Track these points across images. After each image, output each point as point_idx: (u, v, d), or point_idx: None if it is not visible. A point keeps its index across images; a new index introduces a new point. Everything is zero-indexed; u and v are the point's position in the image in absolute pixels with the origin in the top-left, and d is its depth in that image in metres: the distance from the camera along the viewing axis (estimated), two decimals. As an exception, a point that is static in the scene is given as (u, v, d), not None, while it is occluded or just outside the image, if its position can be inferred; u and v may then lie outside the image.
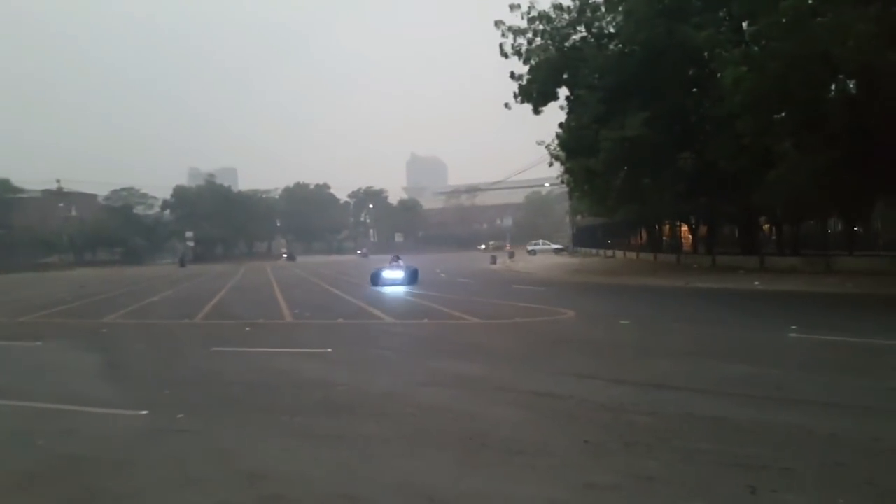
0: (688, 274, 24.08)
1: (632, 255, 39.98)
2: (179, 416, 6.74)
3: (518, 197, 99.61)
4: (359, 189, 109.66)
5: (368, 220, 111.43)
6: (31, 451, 5.79)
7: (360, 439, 5.69)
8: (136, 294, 26.70)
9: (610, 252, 44.19)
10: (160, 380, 8.95)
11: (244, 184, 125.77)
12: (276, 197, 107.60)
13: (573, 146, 26.01)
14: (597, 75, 25.31)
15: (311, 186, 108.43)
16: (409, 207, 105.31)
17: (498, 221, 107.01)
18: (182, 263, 69.71)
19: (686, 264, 29.57)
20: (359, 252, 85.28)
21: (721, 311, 15.27)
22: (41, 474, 5.14)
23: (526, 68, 26.37)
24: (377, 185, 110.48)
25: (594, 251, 48.37)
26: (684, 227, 33.65)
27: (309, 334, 12.98)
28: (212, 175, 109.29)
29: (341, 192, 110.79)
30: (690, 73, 24.41)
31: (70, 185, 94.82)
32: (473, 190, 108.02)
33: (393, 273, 24.33)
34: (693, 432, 5.53)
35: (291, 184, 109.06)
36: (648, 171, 25.68)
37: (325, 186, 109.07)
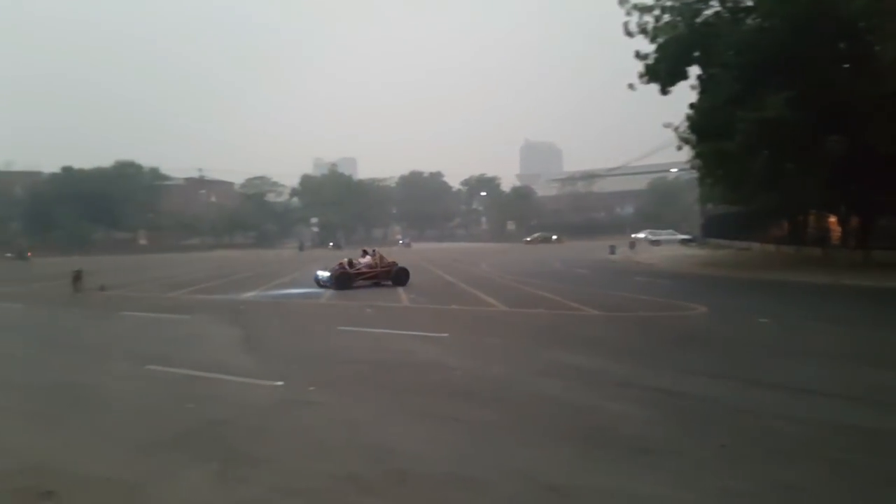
0: (836, 270, 21.93)
1: (770, 247, 36.99)
2: (311, 388, 7.15)
3: (640, 184, 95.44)
4: (471, 177, 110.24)
5: (480, 208, 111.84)
6: (183, 413, 6.39)
7: (478, 424, 5.75)
8: (268, 274, 28.58)
9: (744, 244, 41.20)
10: (292, 354, 9.53)
11: (363, 173, 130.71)
12: (393, 185, 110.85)
13: (705, 128, 24.42)
14: (732, 52, 23.57)
15: (426, 175, 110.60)
16: (521, 195, 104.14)
17: (617, 210, 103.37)
18: (301, 248, 73.87)
19: (834, 259, 26.97)
20: (400, 241, 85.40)
21: (874, 312, 13.79)
22: (192, 434, 5.66)
23: (652, 47, 25.11)
24: (490, 173, 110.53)
25: (726, 242, 45.33)
26: (832, 218, 30.65)
27: (425, 318, 13.25)
28: (334, 164, 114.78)
29: (454, 180, 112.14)
30: (841, 46, 22.07)
31: (211, 174, 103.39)
32: (590, 176, 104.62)
33: (325, 273, 21.07)
34: (842, 443, 5.07)
35: (407, 172, 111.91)
36: (791, 155, 23.58)
37: (439, 175, 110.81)
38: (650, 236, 60.77)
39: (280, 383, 7.43)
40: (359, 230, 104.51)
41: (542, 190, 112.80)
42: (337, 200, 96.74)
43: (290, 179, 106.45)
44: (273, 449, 5.21)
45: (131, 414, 6.47)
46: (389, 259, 22.57)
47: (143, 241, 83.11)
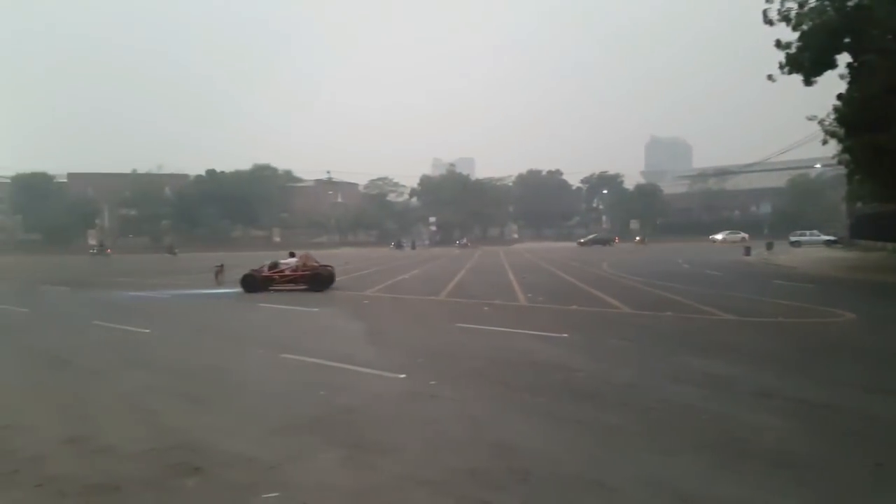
0: None
1: (933, 251, 32.95)
2: (432, 382, 7.27)
3: (778, 181, 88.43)
4: (592, 174, 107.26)
5: (601, 207, 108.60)
6: (315, 399, 6.72)
7: (603, 428, 5.56)
8: (388, 272, 29.54)
9: (901, 246, 36.90)
10: (414, 348, 9.74)
11: (481, 172, 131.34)
12: (510, 184, 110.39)
13: (856, 120, 22.17)
14: (891, 36, 21.20)
15: (544, 173, 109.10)
16: (646, 192, 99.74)
17: (753, 208, 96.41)
18: (398, 246, 75.60)
19: None
20: (458, 242, 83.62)
21: None
22: (323, 420, 5.93)
23: (795, 35, 23.15)
24: (612, 170, 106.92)
25: (879, 244, 40.90)
26: None
27: (544, 318, 13.05)
28: (452, 165, 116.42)
29: (574, 178, 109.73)
30: None
31: (338, 176, 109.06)
32: (723, 173, 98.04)
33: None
34: None
35: (525, 171, 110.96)
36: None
37: (558, 173, 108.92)
38: (793, 237, 56.41)
39: (403, 376, 7.62)
40: (475, 229, 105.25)
41: (670, 187, 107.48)
42: (454, 200, 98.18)
43: (410, 180, 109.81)
44: (398, 439, 5.35)
45: (269, 398, 6.90)
46: (325, 263, 21.48)
47: (276, 239, 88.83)
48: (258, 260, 24.45)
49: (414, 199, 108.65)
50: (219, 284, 22.60)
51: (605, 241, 71.63)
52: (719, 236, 70.30)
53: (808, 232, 58.14)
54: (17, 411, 6.45)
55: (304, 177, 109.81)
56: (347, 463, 4.78)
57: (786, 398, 6.47)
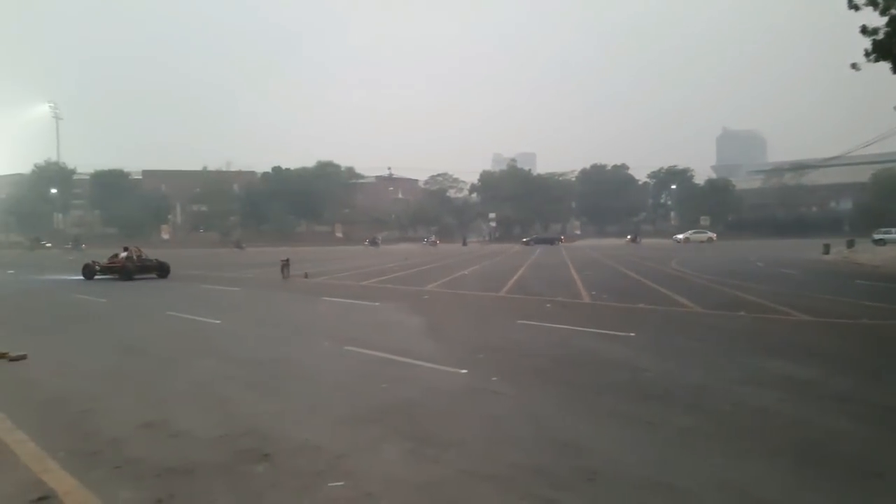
0: None
1: None
2: (494, 378, 7.20)
3: (861, 175, 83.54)
4: (660, 169, 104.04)
5: (669, 202, 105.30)
6: (378, 392, 6.77)
7: (672, 429, 5.37)
8: (448, 267, 29.64)
9: None
10: (475, 344, 9.70)
11: (543, 167, 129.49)
12: (573, 179, 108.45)
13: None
14: None
15: (608, 168, 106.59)
16: (718, 188, 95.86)
17: (832, 204, 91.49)
18: (430, 243, 76.76)
19: None
20: (425, 240, 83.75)
21: None
22: (386, 412, 5.96)
23: (883, 20, 21.77)
24: (681, 164, 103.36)
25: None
26: None
27: (609, 316, 12.76)
28: (513, 160, 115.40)
29: (640, 173, 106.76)
30: None
31: (398, 172, 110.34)
32: (800, 167, 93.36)
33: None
34: None
35: (588, 166, 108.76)
36: None
37: (623, 167, 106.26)
38: (876, 235, 53.58)
39: (464, 371, 7.58)
40: (537, 225, 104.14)
41: (743, 182, 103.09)
42: (515, 195, 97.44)
43: (471, 176, 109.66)
44: (461, 434, 5.31)
45: (333, 389, 7.01)
46: (154, 258, 26.53)
47: (339, 234, 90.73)
48: (320, 254, 25.00)
49: (474, 195, 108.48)
50: (284, 278, 23.24)
51: (550, 241, 71.78)
52: (681, 236, 71.75)
53: (893, 229, 54.88)
54: (98, 396, 6.77)
55: (366, 173, 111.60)
56: (411, 455, 4.78)
57: (869, 404, 6.09)
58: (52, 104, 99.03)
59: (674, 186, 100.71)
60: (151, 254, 28.34)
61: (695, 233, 73.60)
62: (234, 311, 14.75)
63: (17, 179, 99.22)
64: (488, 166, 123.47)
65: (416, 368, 7.84)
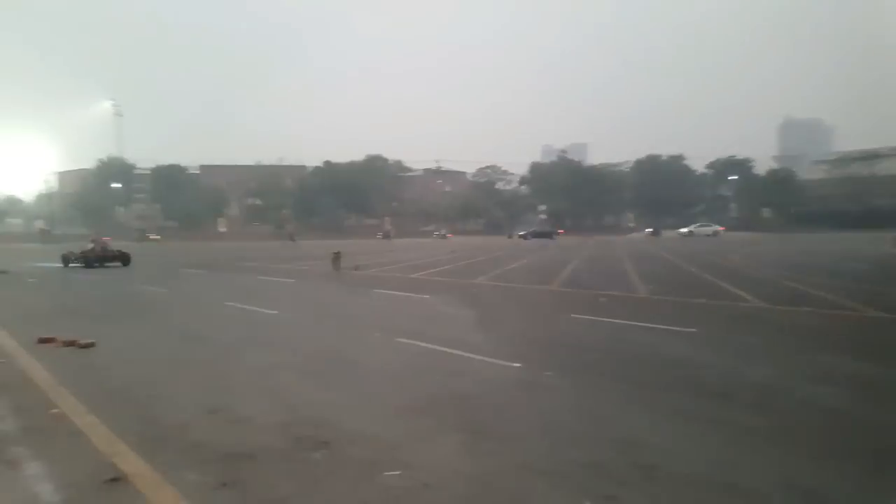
0: None
1: None
2: (548, 373, 7.13)
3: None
4: (718, 159, 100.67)
5: (729, 194, 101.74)
6: (431, 384, 6.81)
7: (736, 428, 5.21)
8: (497, 260, 29.51)
9: None
10: (527, 338, 9.64)
11: (595, 158, 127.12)
12: (627, 170, 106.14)
13: None
14: None
15: (664, 158, 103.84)
16: (780, 178, 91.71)
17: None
18: (441, 236, 76.39)
19: None
20: (436, 233, 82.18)
21: None
22: (440, 404, 5.98)
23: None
24: (741, 154, 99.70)
25: None
26: None
27: (668, 311, 12.46)
28: (564, 151, 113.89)
29: (698, 163, 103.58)
30: None
31: (447, 165, 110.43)
32: (871, 156, 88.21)
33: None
34: None
35: (643, 156, 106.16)
36: None
37: (680, 157, 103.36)
38: None
39: (517, 365, 7.53)
40: (588, 218, 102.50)
41: (807, 173, 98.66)
42: (566, 187, 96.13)
43: (520, 168, 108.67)
44: (516, 427, 5.29)
45: (387, 380, 7.08)
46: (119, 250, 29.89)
47: (387, 227, 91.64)
48: (369, 247, 25.25)
49: (523, 187, 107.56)
50: (335, 271, 23.60)
51: (548, 235, 69.48)
52: (685, 229, 69.66)
53: None
54: (163, 383, 7.03)
55: (414, 166, 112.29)
56: (466, 448, 4.78)
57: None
58: (113, 102, 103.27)
59: (733, 177, 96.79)
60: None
61: (700, 226, 71.64)
62: (289, 302, 15.07)
63: (81, 175, 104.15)
64: (538, 158, 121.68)
65: (468, 361, 7.84)
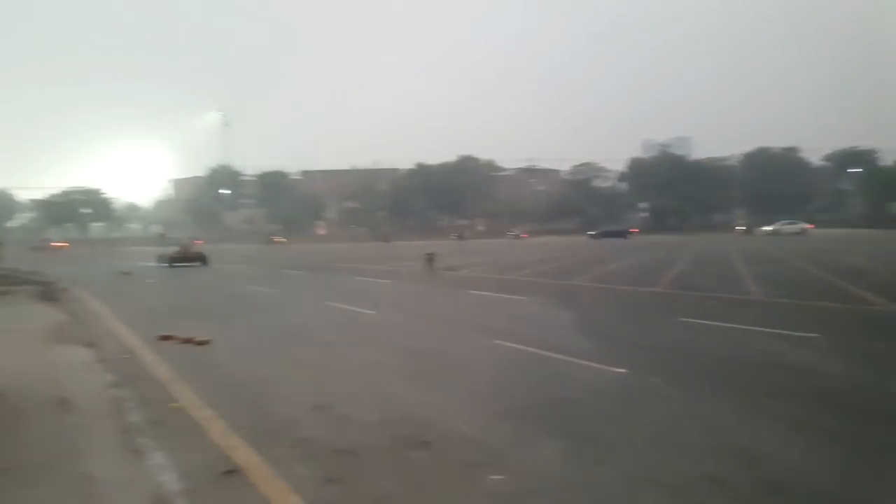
0: None
1: None
2: (655, 379, 6.81)
3: None
4: (837, 150, 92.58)
5: (851, 188, 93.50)
6: (531, 387, 6.69)
7: (871, 445, 4.74)
8: (595, 260, 28.77)
9: None
10: (631, 342, 9.28)
11: (699, 152, 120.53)
12: (735, 164, 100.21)
13: None
14: None
15: (776, 150, 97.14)
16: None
17: None
18: (460, 238, 73.51)
19: None
20: (509, 234, 78.86)
21: None
22: (542, 408, 5.86)
23: None
24: (864, 144, 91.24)
25: None
26: None
27: (786, 315, 11.60)
28: (665, 145, 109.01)
29: (815, 155, 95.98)
30: None
31: (539, 163, 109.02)
32: None
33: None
34: None
35: (753, 149, 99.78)
36: None
37: (794, 150, 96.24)
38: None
39: (622, 370, 7.24)
40: (693, 215, 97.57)
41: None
42: (668, 183, 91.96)
43: (618, 164, 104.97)
44: (623, 435, 5.07)
45: (486, 382, 7.02)
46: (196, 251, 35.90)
47: (480, 227, 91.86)
48: (461, 248, 25.29)
49: (622, 184, 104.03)
50: (430, 271, 23.88)
51: (620, 234, 65.32)
52: (769, 227, 63.76)
53: None
54: (272, 379, 7.33)
55: (507, 165, 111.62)
56: (571, 454, 4.64)
57: None
58: (222, 112, 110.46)
59: (856, 170, 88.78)
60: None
61: (786, 223, 65.58)
62: (386, 302, 15.36)
63: (193, 182, 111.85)
64: (637, 153, 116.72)
65: (570, 365, 7.63)
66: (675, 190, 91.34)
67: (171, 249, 35.03)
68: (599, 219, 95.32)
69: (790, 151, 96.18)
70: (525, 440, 4.96)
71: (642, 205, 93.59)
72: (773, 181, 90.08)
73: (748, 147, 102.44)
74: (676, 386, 6.57)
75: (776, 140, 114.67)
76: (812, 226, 65.97)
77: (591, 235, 68.41)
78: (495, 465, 4.40)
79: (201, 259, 33.83)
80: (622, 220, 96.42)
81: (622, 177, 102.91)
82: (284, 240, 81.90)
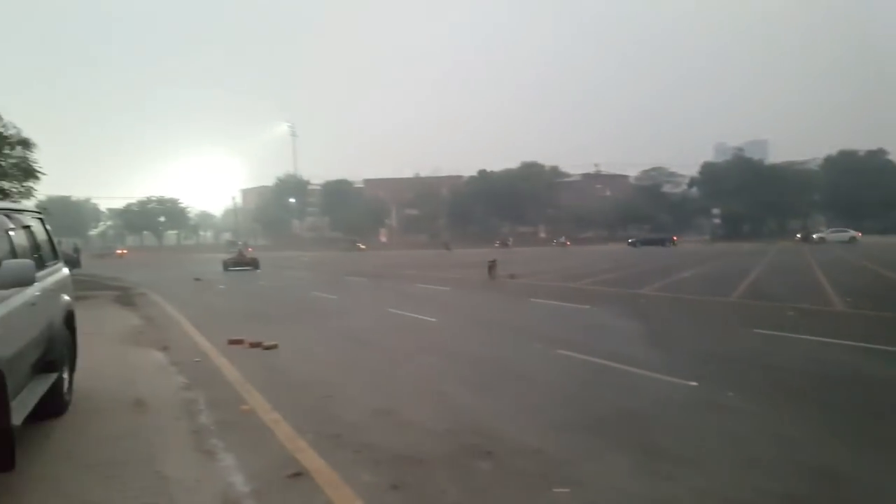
0: None
1: None
2: (729, 393, 6.53)
3: None
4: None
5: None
6: (596, 399, 6.54)
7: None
8: (665, 268, 27.93)
9: None
10: (702, 354, 8.95)
11: (776, 155, 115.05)
12: (816, 168, 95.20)
13: None
14: None
15: (861, 153, 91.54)
16: None
17: None
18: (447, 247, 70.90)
19: None
20: (555, 241, 74.67)
21: None
22: (607, 421, 5.70)
23: None
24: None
25: None
26: None
27: (872, 328, 10.91)
28: (739, 149, 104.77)
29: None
30: None
31: (607, 168, 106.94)
32: None
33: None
34: None
35: (834, 152, 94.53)
36: None
37: (881, 152, 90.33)
38: None
39: (694, 383, 6.96)
40: (769, 221, 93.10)
41: None
42: (743, 188, 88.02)
43: (689, 169, 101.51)
44: (694, 450, 4.86)
45: (549, 392, 6.90)
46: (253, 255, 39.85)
47: (542, 235, 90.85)
48: (524, 256, 25.08)
49: (693, 189, 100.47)
50: (491, 279, 23.78)
51: (661, 242, 62.82)
52: (816, 235, 62.75)
53: None
54: (336, 382, 7.44)
55: (572, 171, 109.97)
56: (640, 469, 4.47)
57: None
58: (289, 124, 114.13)
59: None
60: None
61: (833, 231, 63.51)
62: (447, 309, 15.38)
63: (261, 191, 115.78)
64: (709, 157, 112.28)
65: (637, 377, 7.40)
66: (749, 195, 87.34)
67: (229, 255, 39.54)
68: (669, 225, 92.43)
69: (876, 154, 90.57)
70: (591, 453, 4.83)
71: (715, 211, 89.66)
72: (857, 185, 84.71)
73: (830, 150, 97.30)
74: (752, 400, 6.28)
75: (861, 142, 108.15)
76: (859, 234, 63.53)
77: (630, 243, 66.77)
78: (560, 478, 4.29)
79: (254, 264, 37.39)
80: (693, 227, 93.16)
81: (693, 182, 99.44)
82: (364, 247, 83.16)
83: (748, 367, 8.03)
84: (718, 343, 9.98)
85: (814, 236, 64.42)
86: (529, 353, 9.25)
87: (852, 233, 62.94)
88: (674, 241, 68.44)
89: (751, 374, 7.56)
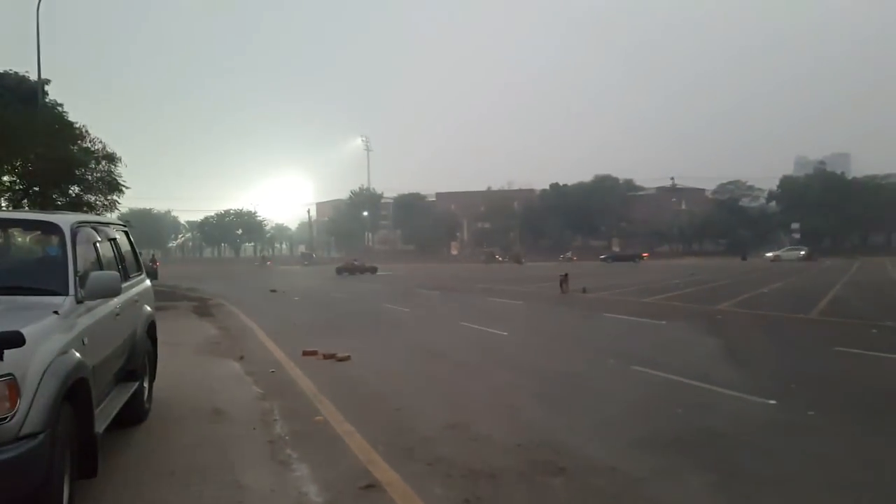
0: None
1: None
2: (810, 413, 6.25)
3: None
4: None
5: None
6: (672, 417, 6.35)
7: None
8: (743, 284, 26.82)
9: None
10: (782, 373, 8.55)
11: (859, 169, 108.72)
12: None
13: None
14: None
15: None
16: None
17: None
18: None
19: None
20: (562, 257, 72.85)
21: None
22: (684, 439, 5.56)
23: None
24: None
25: None
26: None
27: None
28: (821, 162, 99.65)
29: None
30: None
31: (683, 182, 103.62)
32: None
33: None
34: None
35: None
36: None
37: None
38: None
39: (773, 402, 6.68)
40: (852, 236, 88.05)
41: None
42: (824, 203, 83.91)
43: (769, 183, 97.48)
44: (775, 471, 4.68)
45: (624, 409, 6.76)
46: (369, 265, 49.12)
47: (615, 249, 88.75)
48: (596, 270, 24.61)
49: (772, 204, 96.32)
50: (563, 293, 23.46)
51: (630, 258, 63.30)
52: (770, 254, 62.78)
53: None
54: (408, 395, 7.55)
55: (647, 185, 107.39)
56: (718, 489, 4.35)
57: None
58: (363, 138, 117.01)
59: None
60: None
61: (787, 250, 63.79)
62: (519, 323, 15.30)
63: (336, 205, 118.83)
64: (789, 171, 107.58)
65: (713, 395, 7.16)
66: (830, 210, 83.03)
67: (345, 263, 50.57)
68: (746, 240, 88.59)
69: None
70: (666, 471, 4.73)
71: (794, 226, 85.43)
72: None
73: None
74: (835, 420, 6.01)
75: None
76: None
77: (602, 259, 67.81)
78: (635, 496, 4.23)
79: (372, 270, 45.07)
80: (772, 242, 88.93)
81: (772, 196, 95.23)
82: (502, 259, 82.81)
83: (828, 385, 7.62)
84: (797, 360, 9.53)
85: (768, 255, 63.94)
86: (602, 369, 9.11)
87: (801, 251, 62.87)
88: (644, 257, 68.68)
89: (832, 394, 7.18)
